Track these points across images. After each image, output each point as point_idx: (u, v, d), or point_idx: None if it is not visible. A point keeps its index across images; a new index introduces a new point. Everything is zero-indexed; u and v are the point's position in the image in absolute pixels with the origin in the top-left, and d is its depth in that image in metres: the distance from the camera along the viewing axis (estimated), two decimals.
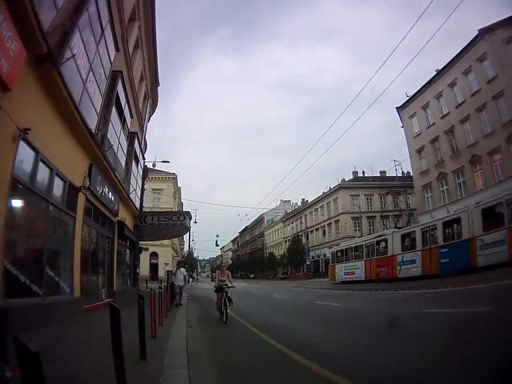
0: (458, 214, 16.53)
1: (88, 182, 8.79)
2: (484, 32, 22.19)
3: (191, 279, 42.99)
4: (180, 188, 54.61)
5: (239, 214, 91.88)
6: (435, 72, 27.52)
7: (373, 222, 45.18)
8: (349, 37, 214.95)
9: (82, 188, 8.44)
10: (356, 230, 44.49)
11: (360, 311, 9.86)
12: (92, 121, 8.78)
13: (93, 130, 8.70)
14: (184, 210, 39.62)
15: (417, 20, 12.47)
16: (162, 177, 44.29)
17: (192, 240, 65.27)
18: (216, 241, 61.79)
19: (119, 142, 12.20)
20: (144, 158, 19.77)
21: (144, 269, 34.69)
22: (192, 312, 11.28)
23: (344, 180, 49.58)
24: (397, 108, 32.76)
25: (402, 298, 12.02)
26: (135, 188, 16.33)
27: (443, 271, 16.31)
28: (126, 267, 17.15)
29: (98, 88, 9.32)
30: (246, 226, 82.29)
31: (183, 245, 63.86)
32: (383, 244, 21.65)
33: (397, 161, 32.73)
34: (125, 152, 13.77)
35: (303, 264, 50.25)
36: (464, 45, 24.24)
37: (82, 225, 8.82)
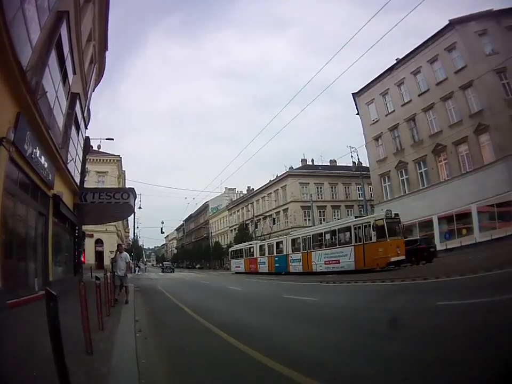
0: (282, 239, 27.41)
1: (13, 135, 6.66)
2: (456, 23, 22.04)
3: (137, 268, 40.06)
4: (124, 171, 51.16)
5: (186, 198, 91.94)
6: (395, 61, 27.11)
7: (323, 211, 44.43)
8: (302, 29, 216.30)
9: (4, 140, 6.31)
10: (305, 219, 43.12)
11: (345, 307, 8.25)
12: (25, 57, 6.74)
13: (25, 68, 6.63)
14: None
15: (373, 16, 11.93)
16: (106, 160, 41.31)
17: (137, 227, 62.37)
18: (162, 228, 60.12)
19: (56, 97, 9.89)
20: (86, 127, 17.17)
21: (89, 256, 33.02)
22: (140, 308, 9.06)
23: (292, 167, 47.53)
24: (353, 93, 31.86)
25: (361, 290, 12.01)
26: (73, 158, 13.93)
27: (276, 271, 26.33)
28: (66, 253, 14.72)
29: (38, 17, 7.26)
30: (191, 215, 79.29)
31: (128, 232, 61.34)
32: (252, 249, 32.45)
33: (352, 147, 31.86)
34: (64, 112, 11.43)
35: None
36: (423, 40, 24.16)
37: (4, 191, 6.70)
